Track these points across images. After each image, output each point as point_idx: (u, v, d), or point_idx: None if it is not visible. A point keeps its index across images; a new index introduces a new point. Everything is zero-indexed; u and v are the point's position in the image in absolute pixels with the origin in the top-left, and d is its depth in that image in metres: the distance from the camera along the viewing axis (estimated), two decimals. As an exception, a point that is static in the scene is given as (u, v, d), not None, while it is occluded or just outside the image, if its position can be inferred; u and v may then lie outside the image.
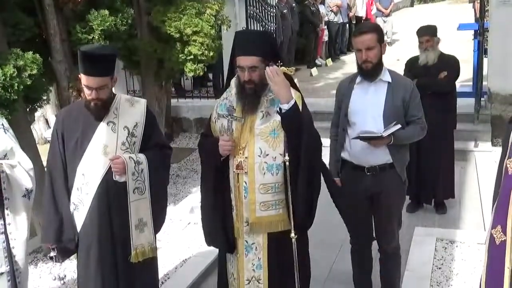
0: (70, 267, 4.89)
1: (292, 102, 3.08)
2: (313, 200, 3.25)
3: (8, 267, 3.24)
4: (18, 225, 3.25)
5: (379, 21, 14.63)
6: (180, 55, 6.04)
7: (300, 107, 3.19)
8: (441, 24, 8.83)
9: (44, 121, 9.81)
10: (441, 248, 4.91)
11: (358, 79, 3.76)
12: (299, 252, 3.21)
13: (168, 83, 7.80)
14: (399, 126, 3.58)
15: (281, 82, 3.07)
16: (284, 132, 3.11)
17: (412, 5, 23.41)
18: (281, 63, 3.12)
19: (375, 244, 4.00)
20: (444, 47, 5.90)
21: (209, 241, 3.48)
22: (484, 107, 8.09)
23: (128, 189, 3.26)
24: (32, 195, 3.31)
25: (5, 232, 3.23)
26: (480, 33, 7.91)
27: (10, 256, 3.25)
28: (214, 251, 3.59)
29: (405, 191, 3.95)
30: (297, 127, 3.10)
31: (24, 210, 3.27)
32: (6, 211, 3.21)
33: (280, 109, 3.09)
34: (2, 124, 3.33)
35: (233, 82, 3.32)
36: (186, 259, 5.12)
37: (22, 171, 3.25)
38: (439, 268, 4.59)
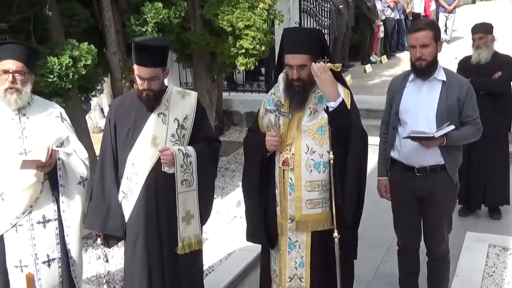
0: (118, 254, 4.99)
1: (340, 100, 3.04)
2: (360, 200, 3.20)
3: (60, 253, 3.33)
4: (72, 212, 3.33)
5: (441, 17, 14.23)
6: (232, 49, 6.06)
7: (349, 105, 3.14)
8: (503, 22, 8.51)
9: (100, 110, 10.06)
10: (493, 255, 4.73)
11: (411, 76, 3.66)
12: (342, 252, 3.16)
13: (220, 76, 7.85)
14: (452, 127, 3.47)
15: (327, 79, 3.03)
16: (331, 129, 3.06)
17: (474, 2, 22.67)
18: (328, 60, 3.07)
19: (423, 247, 3.90)
20: (505, 47, 5.67)
21: (250, 236, 3.47)
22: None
23: (176, 181, 3.28)
24: (87, 183, 3.40)
25: (58, 219, 3.32)
26: (544, 32, 7.56)
27: (63, 243, 3.34)
28: (259, 246, 3.58)
29: (457, 194, 3.82)
30: (345, 125, 3.05)
31: (78, 198, 3.35)
32: (61, 198, 3.30)
33: (327, 107, 3.04)
34: (60, 113, 3.42)
35: (280, 77, 3.29)
36: (231, 253, 5.14)
37: (77, 159, 3.33)
38: (490, 276, 4.42)
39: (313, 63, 3.04)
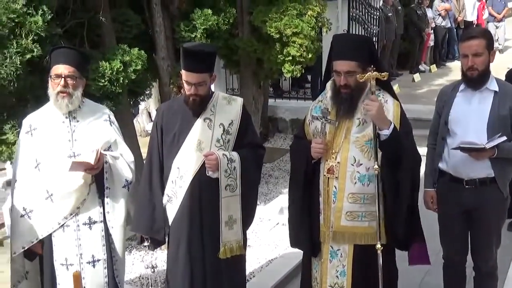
0: (161, 257, 5.05)
1: (392, 127, 3.02)
2: (414, 220, 3.19)
3: (105, 255, 3.41)
4: (116, 214, 3.41)
5: (491, 26, 13.91)
6: (279, 56, 6.07)
7: (399, 116, 3.13)
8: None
9: (147, 115, 10.22)
10: (544, 272, 4.57)
11: (462, 86, 3.58)
12: (385, 264, 3.12)
13: (266, 82, 7.86)
14: (504, 138, 3.37)
15: (378, 110, 3.00)
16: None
17: (529, 10, 21.99)
18: (375, 68, 3.03)
19: (470, 261, 3.79)
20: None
21: (294, 243, 3.46)
22: None
23: (220, 186, 3.30)
24: (131, 186, 3.47)
25: (104, 221, 3.40)
26: None
27: (109, 245, 3.43)
28: (300, 253, 3.57)
29: (507, 208, 3.70)
30: (398, 151, 3.05)
31: (123, 200, 3.43)
32: (106, 200, 3.39)
33: (379, 134, 3.02)
34: (109, 117, 3.52)
35: (328, 85, 3.28)
36: (272, 259, 5.13)
37: (124, 163, 3.41)
38: (541, 294, 4.27)
39: (365, 101, 3.04)
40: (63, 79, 3.24)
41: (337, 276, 3.24)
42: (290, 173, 3.49)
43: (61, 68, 3.25)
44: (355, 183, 3.12)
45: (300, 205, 3.33)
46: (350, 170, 3.12)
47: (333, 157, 3.17)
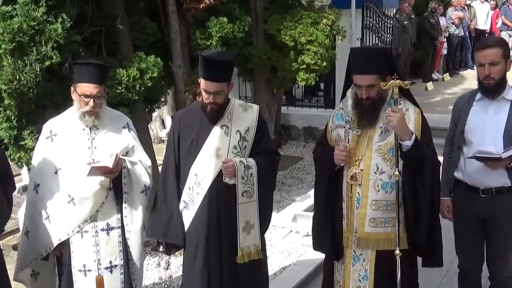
0: (174, 263, 5.07)
1: (413, 138, 3.05)
2: (434, 231, 3.22)
3: (122, 260, 3.44)
4: (134, 219, 3.45)
5: (504, 35, 13.86)
6: (293, 64, 6.10)
7: (420, 124, 3.17)
8: None
9: (160, 121, 10.26)
10: (560, 283, 4.51)
11: (478, 95, 3.58)
12: (406, 271, 3.16)
13: (279, 90, 7.90)
14: (520, 147, 3.36)
15: (399, 121, 3.02)
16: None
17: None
18: (397, 77, 3.05)
19: (485, 271, 3.77)
20: None
21: (317, 246, 3.50)
22: None
23: (237, 192, 3.32)
24: (149, 191, 3.50)
25: (121, 227, 3.44)
26: None
27: (126, 250, 3.45)
28: (314, 260, 3.59)
29: (523, 218, 3.68)
30: (419, 160, 3.07)
31: (140, 206, 3.47)
32: (124, 205, 3.42)
33: (400, 144, 3.05)
34: (127, 124, 3.56)
35: (349, 92, 3.32)
36: (285, 267, 5.13)
37: (142, 169, 3.45)
38: (557, 304, 4.22)
39: (387, 112, 3.06)
40: (92, 99, 3.26)
41: (359, 280, 3.28)
42: (315, 178, 3.52)
43: (90, 88, 3.25)
44: (378, 190, 3.15)
45: (324, 210, 3.37)
46: (373, 178, 3.15)
47: (356, 165, 3.20)
